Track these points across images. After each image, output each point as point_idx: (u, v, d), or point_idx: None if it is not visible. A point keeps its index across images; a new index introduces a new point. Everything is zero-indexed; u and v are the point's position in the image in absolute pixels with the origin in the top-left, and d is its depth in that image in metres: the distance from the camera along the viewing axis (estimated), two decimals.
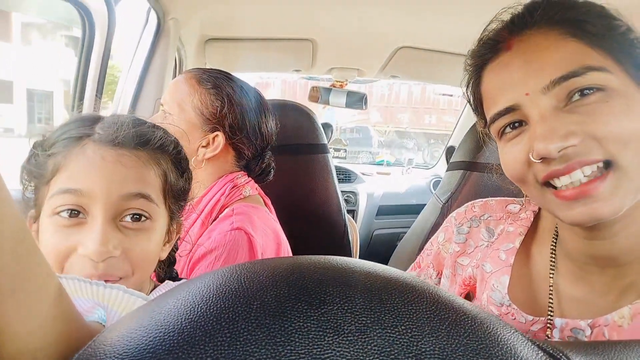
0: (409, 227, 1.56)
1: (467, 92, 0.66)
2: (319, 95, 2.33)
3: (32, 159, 0.58)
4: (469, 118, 2.10)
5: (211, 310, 0.28)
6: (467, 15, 1.28)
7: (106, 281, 0.52)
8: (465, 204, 0.77)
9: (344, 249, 1.59)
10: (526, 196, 0.68)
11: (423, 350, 0.27)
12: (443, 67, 1.84)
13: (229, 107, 0.94)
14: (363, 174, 2.62)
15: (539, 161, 0.52)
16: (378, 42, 1.73)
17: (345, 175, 2.52)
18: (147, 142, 0.60)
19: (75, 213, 0.55)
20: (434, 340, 0.28)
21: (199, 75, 0.97)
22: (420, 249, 1.32)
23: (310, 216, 1.51)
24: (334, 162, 2.56)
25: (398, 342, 0.27)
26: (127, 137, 0.57)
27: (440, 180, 1.62)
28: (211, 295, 0.29)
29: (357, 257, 1.72)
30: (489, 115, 0.60)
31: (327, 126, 2.05)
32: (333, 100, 2.32)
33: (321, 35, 1.70)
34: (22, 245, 0.29)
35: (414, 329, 0.28)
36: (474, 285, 0.71)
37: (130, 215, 0.57)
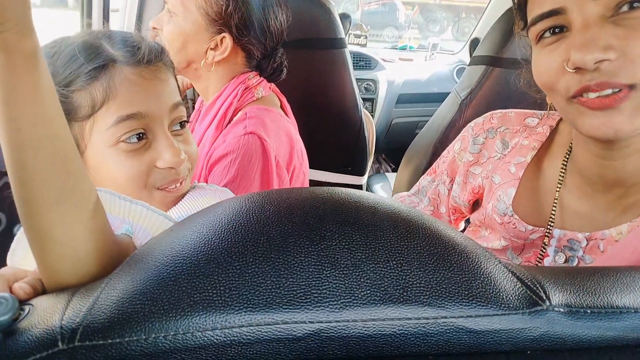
0: (429, 117, 1.55)
1: None
2: None
3: None
4: (498, 7, 1.93)
5: (223, 244, 0.31)
6: None
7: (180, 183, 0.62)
8: (485, 115, 0.77)
9: (360, 145, 1.61)
10: (550, 107, 0.67)
11: (410, 283, 0.31)
12: None
13: (234, 4, 0.90)
14: (384, 60, 2.53)
15: (573, 71, 0.52)
16: None
17: (366, 62, 2.44)
18: (160, 53, 0.63)
19: (141, 135, 0.59)
20: (421, 274, 0.31)
21: None
22: (435, 145, 1.34)
23: (326, 112, 1.51)
24: (354, 49, 2.48)
25: (388, 276, 0.31)
26: (149, 54, 0.60)
27: (464, 68, 1.56)
28: (223, 229, 0.32)
29: (372, 151, 1.75)
30: (531, 16, 0.58)
31: (345, 17, 1.93)
32: None
33: None
34: (70, 163, 0.34)
35: (404, 264, 0.31)
36: (482, 194, 0.74)
37: (177, 124, 0.64)
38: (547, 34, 0.56)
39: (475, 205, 0.80)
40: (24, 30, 0.29)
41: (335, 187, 0.38)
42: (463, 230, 0.88)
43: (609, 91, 0.50)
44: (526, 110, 0.74)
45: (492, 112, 0.76)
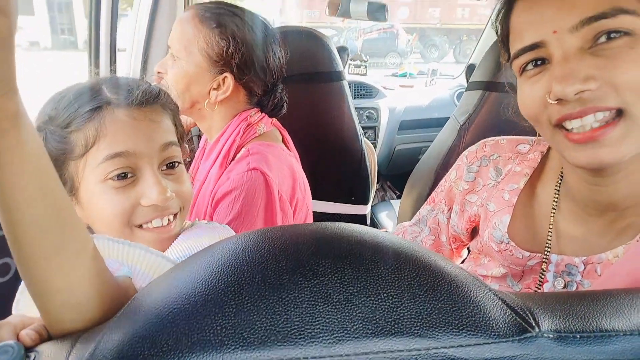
0: (431, 142, 1.57)
1: (496, 23, 0.65)
2: (339, 5, 2.22)
3: (49, 138, 0.61)
4: (492, 35, 1.98)
5: (220, 284, 0.33)
6: None
7: (168, 221, 0.63)
8: (478, 143, 0.78)
9: (362, 174, 1.63)
10: (538, 135, 0.69)
11: (402, 315, 0.32)
12: None
13: (235, 45, 0.93)
14: (385, 88, 2.57)
15: (555, 102, 0.54)
16: None
17: (367, 91, 2.48)
18: (156, 96, 0.66)
19: (126, 174, 0.61)
20: (412, 306, 0.32)
21: (201, 13, 0.95)
22: (437, 171, 1.35)
23: (327, 143, 1.53)
24: (355, 78, 2.53)
25: (380, 308, 0.32)
26: (142, 97, 0.63)
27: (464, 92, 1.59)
28: (220, 269, 0.34)
29: (375, 180, 1.76)
30: (513, 49, 0.60)
31: (342, 50, 1.98)
32: (354, 10, 2.22)
33: None
34: (64, 213, 0.35)
35: (394, 296, 0.32)
36: (478, 222, 0.75)
37: (167, 164, 0.65)
38: (530, 66, 0.57)
39: (474, 232, 0.81)
40: (10, 92, 0.30)
41: (329, 222, 0.39)
42: (464, 259, 0.88)
43: (592, 118, 0.51)
44: (518, 137, 0.75)
45: (484, 140, 0.78)
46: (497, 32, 0.66)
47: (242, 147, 0.97)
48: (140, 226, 0.63)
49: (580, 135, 0.52)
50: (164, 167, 0.65)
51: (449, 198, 0.83)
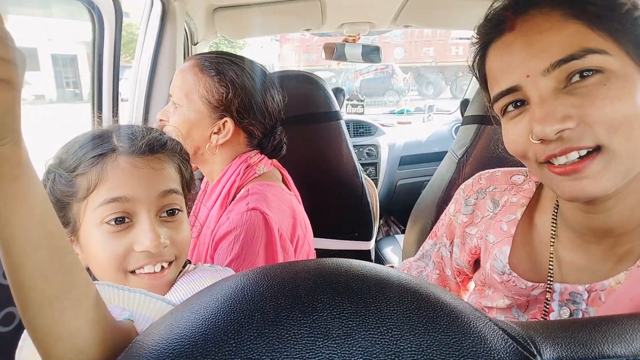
0: (432, 175, 1.58)
1: (473, 68, 0.67)
2: (334, 50, 2.30)
3: (56, 180, 0.64)
4: None
5: (220, 323, 0.33)
6: None
7: (162, 268, 0.63)
8: (473, 176, 0.79)
9: (363, 210, 1.64)
10: None
11: (402, 348, 0.32)
12: (457, 11, 1.77)
13: (234, 92, 0.97)
14: (383, 125, 2.62)
15: (538, 142, 0.55)
16: None
17: (366, 129, 2.52)
18: (163, 145, 0.68)
19: (123, 219, 0.62)
20: (411, 338, 0.32)
21: (201, 63, 0.99)
22: (439, 205, 1.36)
23: (327, 181, 1.55)
24: (353, 117, 2.58)
25: (380, 342, 0.32)
26: (146, 145, 0.65)
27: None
28: (219, 308, 0.34)
29: (377, 215, 1.77)
30: (492, 94, 0.61)
31: (338, 91, 2.04)
32: (349, 53, 2.29)
33: None
34: (66, 259, 0.36)
35: (394, 329, 0.32)
36: (479, 254, 0.75)
37: (166, 211, 0.66)
38: (511, 108, 0.59)
39: (476, 265, 0.80)
40: (19, 141, 0.32)
41: (327, 258, 0.40)
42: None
43: (576, 154, 0.53)
44: (512, 169, 0.76)
45: (480, 173, 0.79)
46: (476, 77, 0.68)
47: (242, 187, 0.98)
48: (133, 272, 0.63)
49: (563, 168, 0.54)
50: (163, 214, 0.66)
51: (450, 231, 0.83)
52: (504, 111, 0.60)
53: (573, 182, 0.53)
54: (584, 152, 0.53)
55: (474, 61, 0.65)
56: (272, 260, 0.87)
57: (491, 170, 0.78)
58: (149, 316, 0.53)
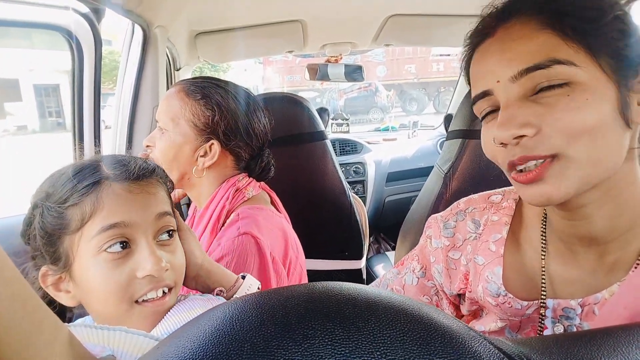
0: (420, 190, 1.59)
1: (462, 72, 0.69)
2: (317, 70, 2.32)
3: (45, 214, 0.62)
4: (466, 86, 2.08)
5: (207, 356, 0.32)
6: None
7: (163, 293, 0.62)
8: (452, 204, 0.79)
9: (353, 229, 1.63)
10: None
11: None
12: (436, 30, 1.81)
13: (220, 114, 0.97)
14: (369, 142, 2.63)
15: (500, 146, 0.56)
16: (367, 13, 1.71)
17: (352, 147, 2.53)
18: (152, 171, 0.67)
19: (123, 244, 0.61)
20: None
21: (187, 87, 0.99)
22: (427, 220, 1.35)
23: (316, 201, 1.55)
24: (339, 136, 2.59)
25: None
26: (139, 172, 0.64)
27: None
28: (207, 341, 0.33)
29: (367, 234, 1.76)
30: (472, 96, 0.63)
31: (323, 111, 2.07)
32: (332, 73, 2.32)
33: (309, 14, 1.68)
34: (28, 305, 0.34)
35: (388, 353, 0.32)
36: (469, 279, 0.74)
37: (164, 233, 0.65)
38: (487, 112, 0.61)
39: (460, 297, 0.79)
40: None
41: (317, 282, 0.39)
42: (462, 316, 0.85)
43: (532, 163, 0.54)
44: (489, 191, 0.77)
45: (457, 201, 0.79)
46: (466, 81, 0.69)
47: (232, 212, 0.97)
48: (136, 301, 0.61)
49: (524, 176, 0.55)
50: (160, 238, 0.65)
51: (423, 256, 0.82)
52: (483, 116, 0.62)
53: (534, 188, 0.55)
54: (540, 161, 0.54)
55: (462, 63, 0.67)
56: (265, 285, 0.86)
57: (468, 197, 0.79)
58: (131, 353, 0.51)
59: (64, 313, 0.68)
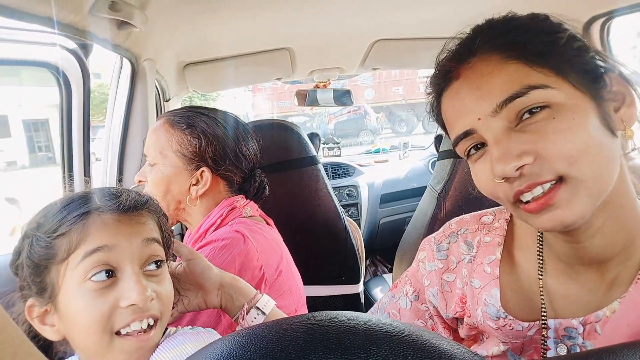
0: (414, 211, 1.58)
1: (430, 114, 0.68)
2: (306, 96, 2.34)
3: (34, 244, 0.61)
4: None
5: None
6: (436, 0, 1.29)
7: (148, 326, 0.61)
8: (443, 225, 0.79)
9: (349, 253, 1.63)
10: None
11: None
12: (422, 53, 1.84)
13: (207, 141, 0.98)
14: (361, 165, 2.65)
15: (502, 181, 0.56)
16: (353, 40, 1.74)
17: (344, 170, 2.54)
18: (144, 204, 0.67)
19: (108, 273, 0.60)
20: None
21: (171, 119, 1.01)
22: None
23: (310, 226, 1.54)
24: (331, 160, 2.60)
25: None
26: (129, 203, 0.64)
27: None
28: None
29: (363, 257, 1.75)
30: (451, 138, 0.63)
31: (314, 136, 2.08)
32: (321, 98, 2.34)
33: (297, 42, 1.71)
34: (21, 348, 0.33)
35: None
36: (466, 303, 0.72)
37: (151, 263, 0.65)
38: (473, 150, 0.60)
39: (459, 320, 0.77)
40: None
41: (315, 313, 0.38)
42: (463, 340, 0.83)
43: (540, 189, 0.54)
44: (480, 212, 0.77)
45: (449, 221, 0.78)
46: (437, 123, 0.69)
47: (225, 225, 0.98)
48: (119, 333, 0.60)
49: (534, 205, 0.54)
50: (147, 268, 0.64)
51: (416, 279, 0.80)
52: (468, 154, 0.61)
53: (547, 215, 0.54)
54: (547, 186, 0.53)
55: (431, 108, 0.67)
56: (246, 277, 0.84)
57: (460, 217, 0.78)
58: None
59: (48, 348, 0.66)
